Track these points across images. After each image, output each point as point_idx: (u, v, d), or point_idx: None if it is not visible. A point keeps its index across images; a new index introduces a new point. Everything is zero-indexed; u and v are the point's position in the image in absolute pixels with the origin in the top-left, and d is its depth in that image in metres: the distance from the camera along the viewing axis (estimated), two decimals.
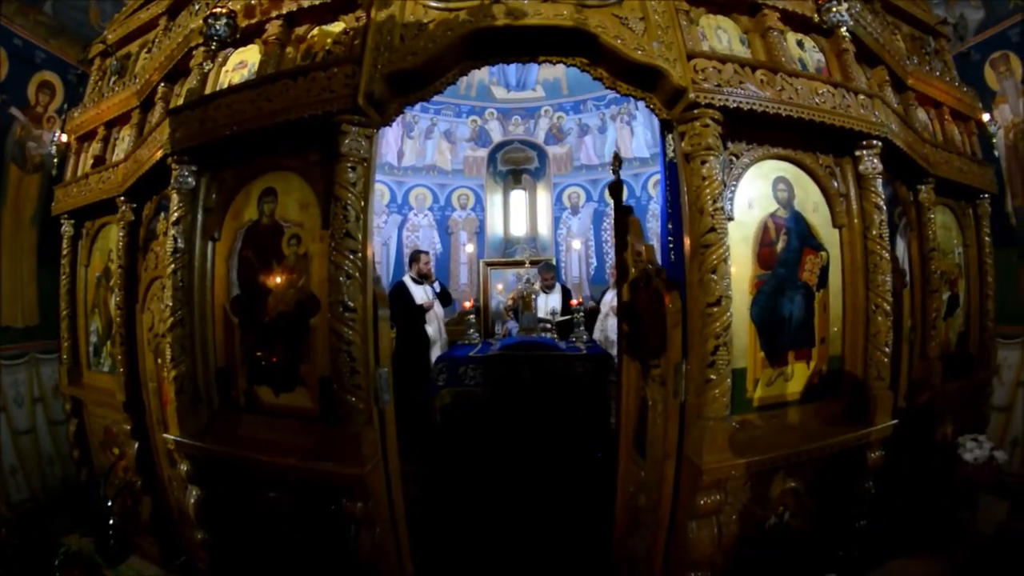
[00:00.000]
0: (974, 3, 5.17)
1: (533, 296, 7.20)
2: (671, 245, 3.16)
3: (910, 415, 3.55)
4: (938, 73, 4.34)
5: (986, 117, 4.51)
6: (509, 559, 3.82)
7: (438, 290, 7.36)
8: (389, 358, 2.94)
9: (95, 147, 4.37)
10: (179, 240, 3.07)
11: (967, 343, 4.47)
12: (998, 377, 4.86)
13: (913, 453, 3.63)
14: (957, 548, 3.60)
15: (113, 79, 4.34)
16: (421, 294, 7.10)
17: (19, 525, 4.22)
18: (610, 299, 7.26)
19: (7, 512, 4.36)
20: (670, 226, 3.17)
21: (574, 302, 7.26)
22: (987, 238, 4.58)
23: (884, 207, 3.13)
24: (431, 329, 7.12)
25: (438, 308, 7.33)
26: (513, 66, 8.84)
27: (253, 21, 3.19)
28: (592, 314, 7.50)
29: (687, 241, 2.74)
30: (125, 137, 4.16)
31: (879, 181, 3.14)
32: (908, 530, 3.56)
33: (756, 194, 2.98)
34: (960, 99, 4.53)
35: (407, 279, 7.21)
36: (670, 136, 2.99)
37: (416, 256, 7.36)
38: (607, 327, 7.21)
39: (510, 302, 7.77)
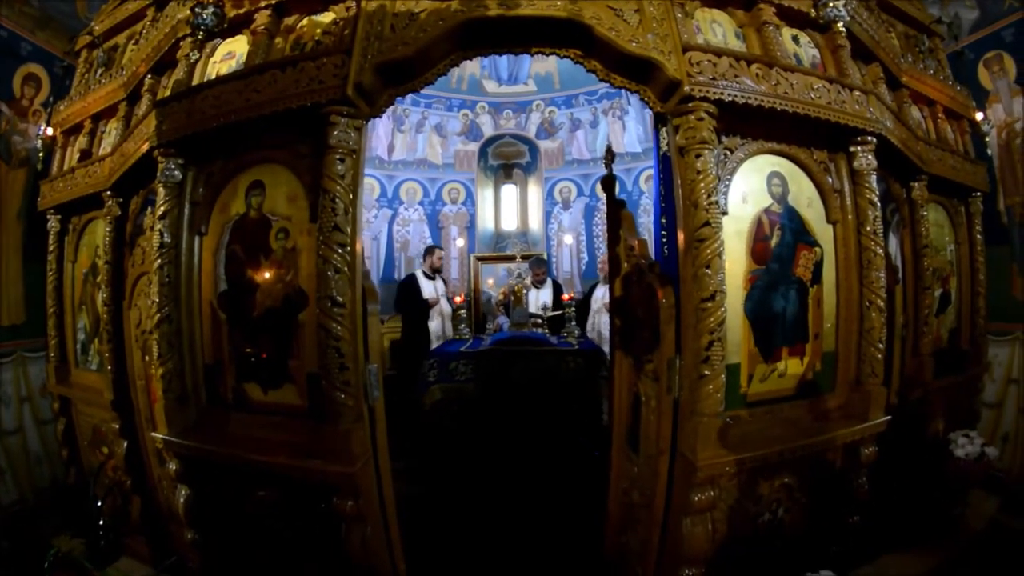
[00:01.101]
0: (968, 3, 5.18)
1: (524, 291, 7.18)
2: (664, 240, 3.14)
3: (902, 411, 3.55)
4: (932, 72, 4.34)
5: (979, 116, 4.52)
6: (501, 556, 3.81)
7: (443, 291, 7.48)
8: (379, 354, 2.91)
9: (81, 141, 4.30)
10: (165, 235, 3.02)
11: (959, 340, 4.48)
12: (989, 374, 4.89)
13: (905, 449, 3.63)
14: (948, 543, 3.62)
15: (100, 71, 4.28)
16: (430, 289, 7.27)
17: (9, 527, 4.17)
18: (601, 295, 7.24)
19: None
20: (663, 221, 3.15)
21: (566, 297, 7.25)
22: (979, 236, 4.59)
23: (878, 203, 3.13)
24: (434, 324, 7.16)
25: (444, 305, 7.44)
26: (504, 60, 8.82)
27: (241, 11, 3.15)
28: (581, 307, 7.49)
29: (681, 235, 2.72)
30: (112, 130, 4.10)
31: (873, 177, 3.13)
32: (900, 525, 3.57)
33: (750, 189, 2.97)
34: (953, 98, 4.53)
35: (419, 272, 7.41)
36: (664, 129, 2.97)
37: (431, 250, 7.59)
38: (599, 323, 7.20)
39: (501, 297, 7.74)
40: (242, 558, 3.04)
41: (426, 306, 7.08)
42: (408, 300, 7.04)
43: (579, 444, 5.46)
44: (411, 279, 7.32)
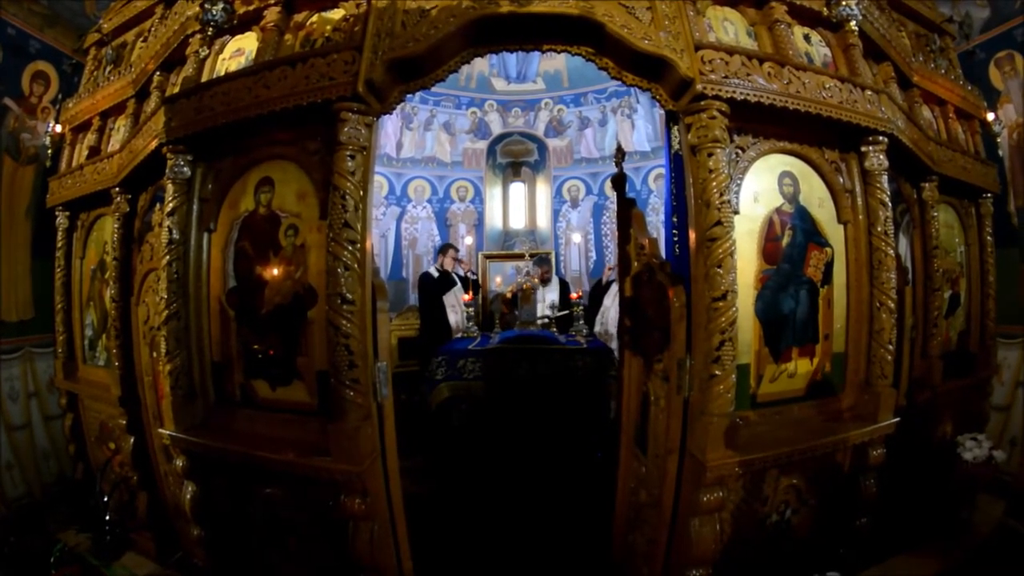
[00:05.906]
0: (980, 2, 5.14)
1: (532, 289, 7.16)
2: (675, 239, 3.13)
3: (910, 413, 3.53)
4: (943, 71, 4.31)
5: (990, 116, 4.48)
6: (509, 555, 3.80)
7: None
8: (388, 351, 2.90)
9: (90, 138, 4.32)
10: (174, 231, 3.02)
11: (967, 342, 4.46)
12: (998, 377, 4.87)
13: (913, 451, 3.61)
14: (956, 546, 3.61)
15: (109, 69, 4.29)
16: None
17: (16, 522, 4.19)
18: (615, 292, 7.21)
19: (3, 509, 4.32)
20: (675, 219, 3.14)
21: (574, 295, 7.22)
22: (989, 237, 4.58)
23: (889, 204, 3.11)
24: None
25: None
26: (513, 58, 8.79)
27: (251, 8, 3.14)
28: (591, 303, 7.45)
29: (692, 234, 2.71)
30: (120, 127, 4.11)
31: (885, 177, 3.11)
32: (908, 528, 3.55)
33: (762, 188, 2.95)
34: (965, 98, 4.51)
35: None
36: (676, 128, 2.96)
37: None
38: (607, 320, 7.17)
39: (508, 295, 7.73)
40: (248, 555, 3.04)
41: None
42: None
43: (586, 443, 5.44)
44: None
